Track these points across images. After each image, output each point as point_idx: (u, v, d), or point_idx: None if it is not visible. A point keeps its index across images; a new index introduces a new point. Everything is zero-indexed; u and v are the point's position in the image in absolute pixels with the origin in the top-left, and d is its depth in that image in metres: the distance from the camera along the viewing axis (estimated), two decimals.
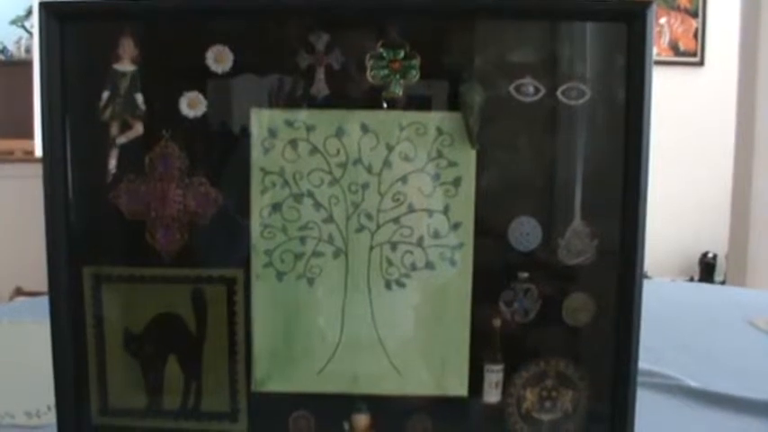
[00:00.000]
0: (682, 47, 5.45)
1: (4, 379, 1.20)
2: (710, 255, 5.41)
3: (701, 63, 5.47)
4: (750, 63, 3.75)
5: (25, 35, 5.04)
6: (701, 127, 5.24)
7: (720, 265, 5.26)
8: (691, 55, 5.46)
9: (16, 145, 4.86)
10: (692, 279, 5.45)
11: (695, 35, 5.45)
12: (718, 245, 5.08)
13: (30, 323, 1.46)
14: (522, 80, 0.83)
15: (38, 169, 0.85)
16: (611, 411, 0.86)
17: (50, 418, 0.91)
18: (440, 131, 0.84)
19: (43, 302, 0.88)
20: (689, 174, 5.28)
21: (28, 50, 4.98)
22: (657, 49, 5.30)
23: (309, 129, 0.84)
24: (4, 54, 5.10)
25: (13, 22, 5.03)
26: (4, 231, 4.51)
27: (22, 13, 5.02)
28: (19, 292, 4.34)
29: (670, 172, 4.75)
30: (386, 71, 0.83)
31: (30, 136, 4.54)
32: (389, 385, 0.87)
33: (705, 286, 3.53)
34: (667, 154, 4.47)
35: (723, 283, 4.76)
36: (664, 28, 5.40)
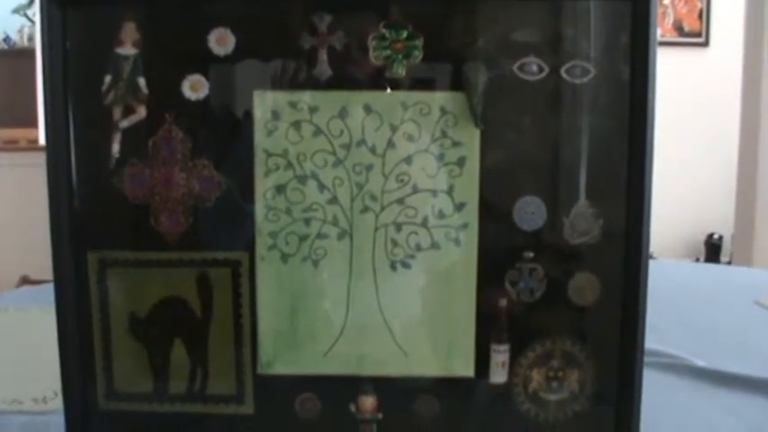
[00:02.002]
0: (686, 27, 5.43)
1: (11, 366, 1.21)
2: (716, 236, 5.40)
3: (706, 43, 5.45)
4: (755, 43, 3.74)
5: (28, 24, 5.05)
6: (706, 107, 5.22)
7: (726, 246, 5.25)
8: (695, 35, 5.43)
9: (20, 134, 4.87)
10: (697, 260, 5.45)
11: (700, 15, 5.43)
12: (723, 226, 5.07)
13: (35, 310, 1.46)
14: (526, 59, 0.83)
15: (42, 158, 0.85)
16: (618, 391, 0.86)
17: (57, 403, 0.92)
18: (444, 111, 0.84)
19: (48, 290, 0.88)
20: (695, 154, 5.26)
21: (30, 39, 4.99)
22: (662, 29, 5.28)
23: (313, 110, 0.84)
24: (7, 43, 5.11)
25: (16, 11, 5.03)
26: (10, 221, 4.52)
27: (24, 1, 5.02)
28: (25, 280, 4.34)
29: (676, 152, 4.74)
30: (388, 52, 0.83)
31: (34, 125, 4.55)
32: (396, 366, 0.87)
33: (711, 266, 3.54)
34: (673, 134, 4.46)
35: (729, 264, 4.76)
36: (668, 9, 5.38)
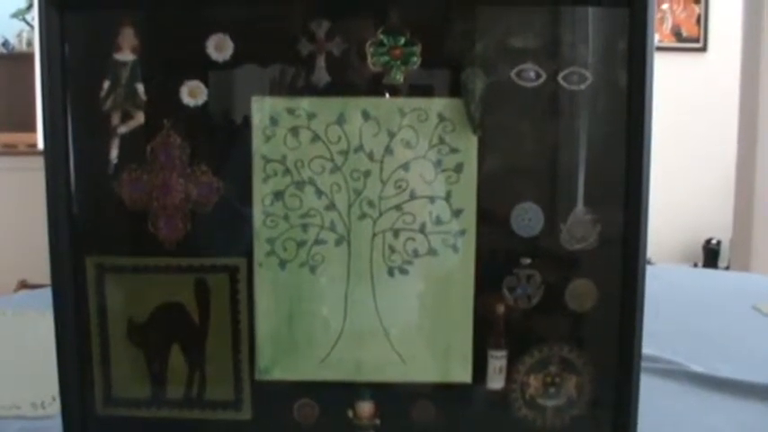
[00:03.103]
0: (684, 33, 5.43)
1: (10, 371, 1.21)
2: (714, 241, 5.40)
3: (704, 49, 5.45)
4: (753, 48, 3.74)
5: (26, 28, 5.04)
6: (704, 113, 5.22)
7: (724, 251, 5.25)
8: (693, 41, 5.44)
9: (19, 138, 4.87)
10: (695, 265, 5.44)
11: (698, 21, 5.43)
12: (721, 231, 5.07)
13: (33, 314, 1.46)
14: (524, 65, 0.83)
15: (41, 162, 0.85)
16: (615, 397, 0.86)
17: (56, 408, 0.92)
18: (441, 118, 0.84)
19: (46, 294, 0.88)
20: (692, 160, 5.26)
21: (29, 44, 4.99)
22: (660, 35, 5.29)
23: (310, 116, 0.84)
24: (6, 47, 5.10)
25: (15, 15, 5.03)
26: (8, 225, 4.52)
27: (23, 5, 5.02)
28: (23, 284, 4.34)
29: (673, 158, 4.75)
30: (386, 58, 0.83)
31: (33, 129, 4.55)
32: (393, 372, 0.87)
33: (709, 271, 3.54)
34: (670, 140, 4.47)
35: (727, 269, 4.76)
36: (666, 14, 5.38)
